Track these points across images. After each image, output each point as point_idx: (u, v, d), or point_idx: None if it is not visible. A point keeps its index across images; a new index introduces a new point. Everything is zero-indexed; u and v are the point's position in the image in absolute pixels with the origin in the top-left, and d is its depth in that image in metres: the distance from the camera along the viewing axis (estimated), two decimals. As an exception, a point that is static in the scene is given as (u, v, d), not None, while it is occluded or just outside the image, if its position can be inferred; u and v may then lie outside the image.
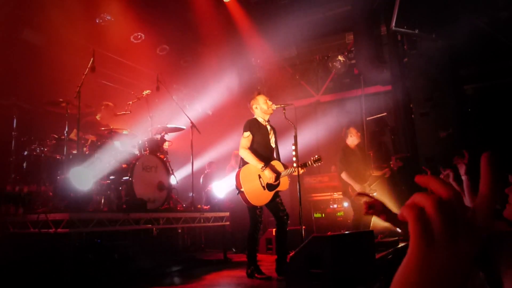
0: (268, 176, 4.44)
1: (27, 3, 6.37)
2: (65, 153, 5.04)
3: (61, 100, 5.15)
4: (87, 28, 7.11)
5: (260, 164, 4.44)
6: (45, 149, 5.23)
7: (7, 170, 5.20)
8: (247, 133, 4.55)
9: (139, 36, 7.84)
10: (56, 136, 5.26)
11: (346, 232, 4.88)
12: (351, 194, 6.06)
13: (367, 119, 8.66)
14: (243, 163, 4.55)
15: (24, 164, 5.19)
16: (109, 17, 7.47)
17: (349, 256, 3.56)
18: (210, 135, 7.51)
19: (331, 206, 8.16)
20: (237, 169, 7.44)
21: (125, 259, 5.74)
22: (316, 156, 4.71)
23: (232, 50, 9.09)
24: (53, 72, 6.30)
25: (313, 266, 3.48)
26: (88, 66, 5.08)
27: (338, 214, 8.08)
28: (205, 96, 8.75)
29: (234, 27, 8.79)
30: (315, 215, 8.26)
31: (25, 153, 5.22)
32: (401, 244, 5.53)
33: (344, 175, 6.01)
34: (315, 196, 8.32)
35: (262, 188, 4.45)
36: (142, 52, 7.97)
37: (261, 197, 4.45)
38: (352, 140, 6.31)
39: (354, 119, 8.54)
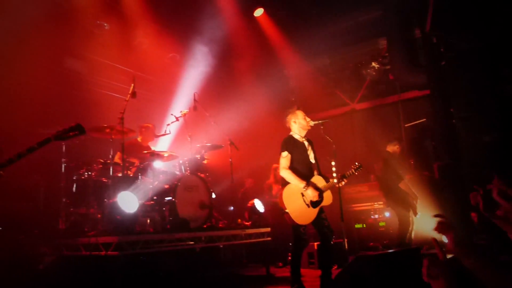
0: (311, 195, 4.44)
1: (69, 34, 6.71)
2: (111, 176, 5.25)
3: (105, 125, 5.38)
4: (125, 53, 7.40)
5: (302, 184, 4.42)
6: (92, 173, 5.47)
7: (58, 194, 5.46)
8: (285, 153, 4.54)
9: (174, 57, 8.08)
10: (102, 161, 5.49)
11: (391, 250, 4.79)
12: (413, 205, 6.14)
13: (406, 125, 8.48)
14: (285, 182, 4.55)
15: (74, 188, 5.45)
16: (144, 40, 7.75)
17: (395, 275, 3.50)
18: (247, 149, 7.60)
19: (372, 217, 8.03)
20: (274, 184, 7.57)
21: (170, 276, 5.89)
22: (357, 164, 4.71)
23: (264, 63, 9.17)
24: (95, 98, 6.62)
25: (358, 286, 3.46)
26: (129, 92, 5.29)
27: (380, 224, 7.94)
28: (241, 111, 8.87)
29: (266, 40, 8.88)
30: (356, 226, 8.15)
31: (74, 177, 5.48)
32: (448, 256, 5.37)
33: (403, 185, 6.20)
34: (355, 207, 8.22)
35: (306, 206, 4.43)
36: (178, 72, 8.20)
37: (306, 215, 4.42)
38: (395, 145, 6.53)
39: (391, 126, 8.39)
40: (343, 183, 4.57)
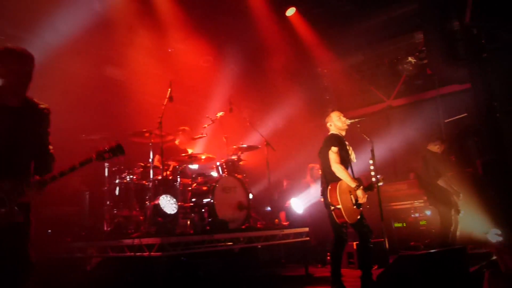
0: (361, 196, 4.42)
1: (108, 43, 6.96)
2: (151, 179, 5.41)
3: (144, 130, 5.54)
4: (161, 59, 7.59)
5: (353, 184, 4.40)
6: (134, 177, 5.65)
7: (102, 197, 5.68)
8: (336, 148, 4.46)
9: (208, 60, 8.21)
10: (142, 164, 5.66)
11: (434, 250, 4.66)
12: (454, 203, 5.90)
13: (446, 121, 8.23)
14: (333, 178, 4.46)
15: (116, 191, 5.64)
16: (179, 45, 7.92)
17: (440, 276, 3.42)
18: (283, 149, 7.62)
19: (412, 215, 7.84)
20: (311, 182, 7.54)
21: (209, 276, 5.99)
22: (379, 177, 4.67)
23: (298, 62, 9.15)
24: (135, 104, 6.83)
25: (401, 286, 3.39)
26: (167, 97, 5.43)
27: (421, 223, 7.73)
28: (276, 111, 8.89)
29: (298, 39, 8.85)
30: (395, 225, 7.98)
31: (117, 181, 5.67)
32: (494, 257, 5.19)
33: (442, 182, 6.01)
34: (394, 205, 8.04)
35: (352, 205, 4.41)
36: (212, 75, 8.33)
37: (353, 214, 4.40)
38: (437, 145, 6.35)
39: (430, 123, 8.15)
40: (380, 183, 4.57)
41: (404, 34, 9.19)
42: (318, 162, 4.87)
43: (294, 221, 6.61)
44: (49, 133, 3.02)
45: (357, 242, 6.48)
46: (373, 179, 4.52)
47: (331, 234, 4.63)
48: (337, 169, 4.41)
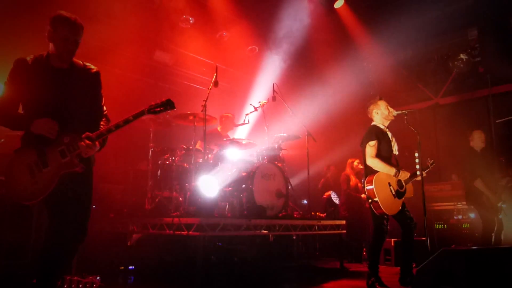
0: (404, 176, 4.47)
1: (158, 28, 7.15)
2: (192, 162, 5.52)
3: (189, 113, 5.65)
4: (207, 46, 7.71)
5: (392, 171, 4.40)
6: (176, 159, 5.78)
7: (145, 177, 5.86)
8: (373, 142, 4.45)
9: (254, 49, 8.25)
10: (185, 147, 5.78)
11: (481, 247, 4.49)
12: (485, 204, 5.59)
13: (497, 121, 7.83)
14: (371, 171, 4.44)
15: (158, 172, 5.80)
16: (225, 33, 8.01)
17: (486, 273, 3.27)
18: (324, 143, 7.54)
19: (455, 217, 7.55)
20: (351, 175, 7.42)
21: (244, 262, 6.05)
22: (429, 159, 4.70)
23: (343, 55, 8.99)
24: (180, 88, 7.00)
25: (444, 282, 3.28)
26: (212, 81, 5.51)
27: (464, 226, 7.43)
28: (319, 103, 8.81)
29: (346, 33, 8.71)
30: (436, 226, 7.72)
31: (159, 162, 5.84)
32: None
33: (478, 183, 5.61)
34: (436, 206, 7.77)
35: (392, 196, 4.38)
36: (257, 64, 8.36)
37: (393, 206, 4.38)
38: (477, 144, 5.87)
39: (480, 122, 7.80)
40: (424, 174, 4.48)
41: (456, 31, 8.81)
42: (360, 154, 4.81)
43: (332, 213, 6.54)
44: (101, 94, 3.16)
45: (395, 239, 6.36)
46: (417, 172, 4.43)
47: (367, 230, 4.61)
48: (372, 162, 4.43)
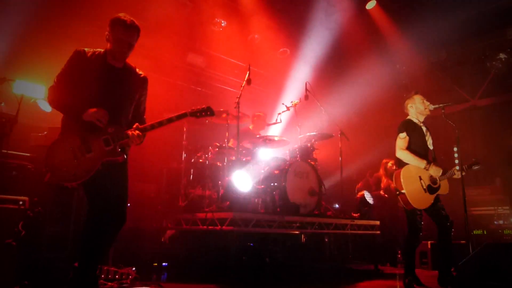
0: (434, 172, 4.30)
1: (191, 32, 7.31)
2: (225, 160, 5.55)
3: (222, 109, 5.70)
4: (239, 48, 7.80)
5: (422, 163, 4.29)
6: (209, 157, 5.83)
7: (178, 175, 5.94)
8: (403, 134, 4.40)
9: (285, 51, 8.28)
10: (218, 144, 5.83)
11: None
12: None
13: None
14: (401, 164, 4.39)
15: (191, 170, 5.86)
16: (256, 36, 8.08)
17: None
18: (357, 144, 7.43)
19: (495, 222, 7.25)
20: (384, 176, 7.25)
21: (276, 263, 5.99)
22: (474, 160, 4.47)
23: (376, 57, 8.89)
24: (212, 91, 7.09)
25: (490, 277, 3.15)
26: (245, 79, 5.54)
27: (505, 232, 7.12)
28: (351, 104, 8.73)
29: (378, 34, 8.61)
30: (474, 232, 7.43)
31: (192, 160, 5.90)
32: None
33: None
34: (474, 210, 7.50)
35: (423, 190, 4.26)
36: (288, 66, 8.38)
37: (422, 200, 4.25)
38: None
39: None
40: (463, 173, 4.31)
41: (494, 30, 8.56)
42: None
43: (365, 214, 6.40)
44: (145, 99, 3.37)
45: (432, 241, 6.15)
46: (457, 167, 4.29)
47: (401, 234, 4.48)
48: (401, 154, 4.39)
